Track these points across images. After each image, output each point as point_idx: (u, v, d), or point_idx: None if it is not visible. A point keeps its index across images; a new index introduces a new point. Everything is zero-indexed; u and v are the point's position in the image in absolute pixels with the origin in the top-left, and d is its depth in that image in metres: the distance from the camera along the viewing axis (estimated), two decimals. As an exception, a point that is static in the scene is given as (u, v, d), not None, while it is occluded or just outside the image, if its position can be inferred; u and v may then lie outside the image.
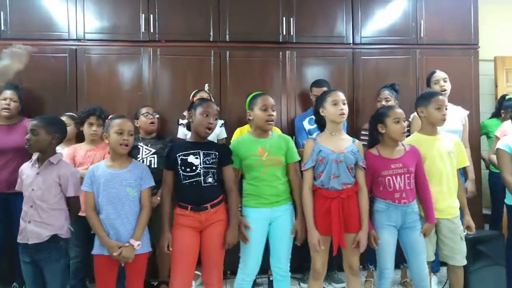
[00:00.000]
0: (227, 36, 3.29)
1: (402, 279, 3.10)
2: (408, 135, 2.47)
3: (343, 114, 2.20)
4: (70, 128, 2.75)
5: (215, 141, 2.98)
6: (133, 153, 2.66)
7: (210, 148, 2.17)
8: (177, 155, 2.14)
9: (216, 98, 3.24)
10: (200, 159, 2.13)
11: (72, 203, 2.16)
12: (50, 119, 2.20)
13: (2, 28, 3.12)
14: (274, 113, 2.24)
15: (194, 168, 2.12)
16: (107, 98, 3.12)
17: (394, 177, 2.19)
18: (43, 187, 2.08)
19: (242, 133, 2.86)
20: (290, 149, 2.25)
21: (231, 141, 2.74)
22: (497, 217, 3.40)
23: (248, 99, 2.34)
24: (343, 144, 2.21)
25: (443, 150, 2.34)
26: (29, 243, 2.05)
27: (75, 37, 3.19)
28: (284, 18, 3.33)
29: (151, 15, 3.23)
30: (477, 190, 3.08)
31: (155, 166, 2.76)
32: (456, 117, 2.90)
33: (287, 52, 3.34)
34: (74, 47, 3.19)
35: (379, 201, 2.24)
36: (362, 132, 3.04)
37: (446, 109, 2.34)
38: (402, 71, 3.44)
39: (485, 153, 3.58)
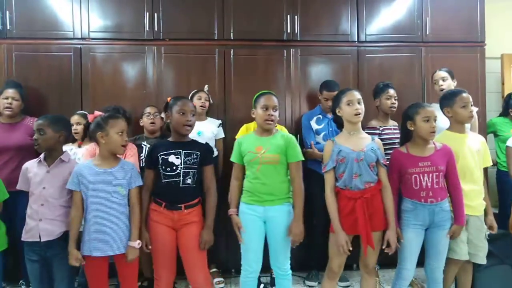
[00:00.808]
0: (231, 34, 3.29)
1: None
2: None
3: (359, 114, 2.17)
4: (81, 127, 2.71)
5: (213, 141, 3.00)
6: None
7: (192, 148, 2.18)
8: (158, 155, 2.16)
9: (220, 96, 3.24)
10: (181, 159, 2.14)
11: None
12: (54, 117, 2.22)
13: (8, 27, 3.14)
14: (275, 113, 2.24)
15: (174, 168, 2.13)
16: (111, 97, 3.12)
17: (421, 175, 2.15)
18: (55, 184, 2.10)
19: (248, 129, 2.88)
20: (291, 149, 2.22)
21: (236, 137, 2.74)
22: (505, 215, 3.36)
23: (255, 97, 2.35)
24: (362, 143, 2.18)
25: (474, 148, 2.31)
26: (42, 240, 2.06)
27: (79, 36, 3.20)
28: (288, 16, 3.32)
29: (155, 14, 3.23)
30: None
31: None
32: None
33: (291, 50, 3.33)
34: (78, 46, 3.20)
35: (406, 201, 2.21)
36: (366, 131, 3.00)
37: (471, 105, 2.30)
38: (407, 69, 3.41)
39: (492, 151, 3.53)
